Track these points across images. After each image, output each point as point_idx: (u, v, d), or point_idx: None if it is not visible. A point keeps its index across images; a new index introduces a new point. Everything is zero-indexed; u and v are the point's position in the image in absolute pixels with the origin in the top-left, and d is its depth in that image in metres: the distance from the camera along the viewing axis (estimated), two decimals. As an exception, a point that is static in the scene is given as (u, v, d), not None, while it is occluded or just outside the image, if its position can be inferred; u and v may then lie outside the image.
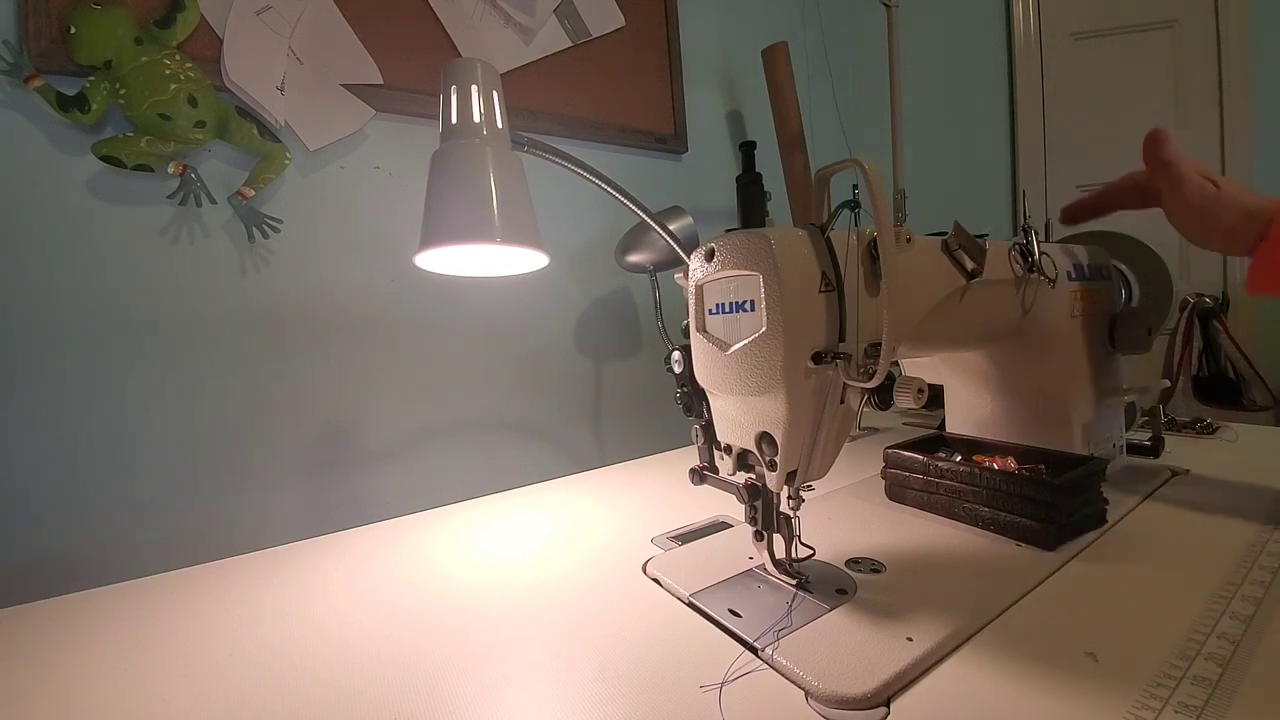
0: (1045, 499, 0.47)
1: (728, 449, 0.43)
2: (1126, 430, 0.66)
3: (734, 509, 0.48)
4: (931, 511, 0.55)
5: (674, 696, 0.33)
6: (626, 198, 0.54)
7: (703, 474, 0.47)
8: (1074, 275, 0.58)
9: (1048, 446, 0.55)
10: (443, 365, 1.05)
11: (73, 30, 0.73)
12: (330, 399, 0.95)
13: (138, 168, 0.78)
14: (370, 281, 0.98)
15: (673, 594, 0.44)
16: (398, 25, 0.99)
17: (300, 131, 0.91)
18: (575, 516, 0.63)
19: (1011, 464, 0.54)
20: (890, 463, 0.59)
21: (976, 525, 0.51)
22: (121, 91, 0.75)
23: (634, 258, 1.04)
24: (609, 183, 0.54)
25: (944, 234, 0.47)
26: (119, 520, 0.80)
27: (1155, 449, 0.68)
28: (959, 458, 0.57)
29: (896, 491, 0.59)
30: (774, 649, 0.35)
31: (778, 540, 0.43)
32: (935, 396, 0.67)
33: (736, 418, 0.41)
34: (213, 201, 0.84)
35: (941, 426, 0.67)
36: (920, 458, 0.56)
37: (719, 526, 0.57)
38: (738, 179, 0.41)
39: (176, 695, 0.36)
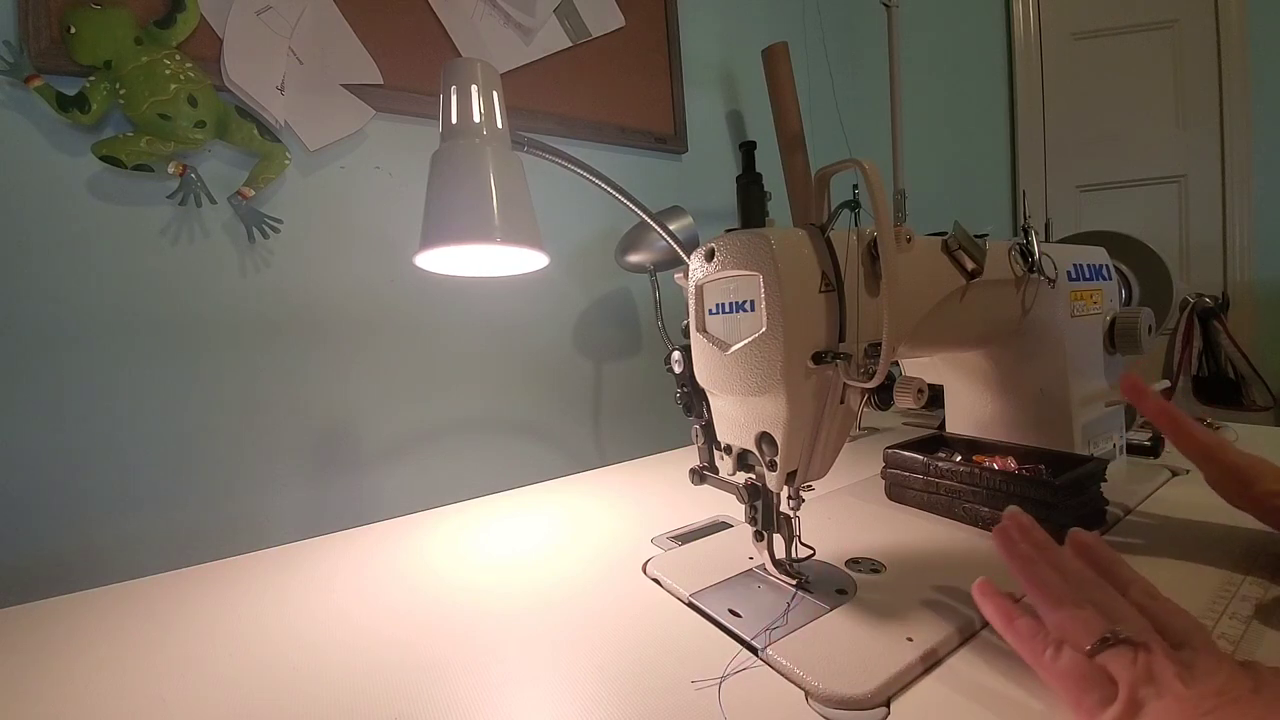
0: (1046, 499, 0.47)
1: (728, 449, 0.43)
2: (1126, 430, 0.66)
3: (734, 509, 0.48)
4: (932, 511, 0.55)
5: (674, 697, 0.33)
6: (626, 198, 0.54)
7: (703, 474, 0.47)
8: (1074, 275, 0.58)
9: (1048, 446, 0.55)
10: (443, 365, 1.05)
11: (73, 30, 0.73)
12: (330, 399, 0.95)
13: (138, 168, 0.78)
14: (370, 281, 0.98)
15: (673, 594, 0.44)
16: (398, 25, 0.99)
17: (300, 131, 0.91)
18: (575, 516, 0.63)
19: (1011, 464, 0.54)
20: (890, 463, 0.59)
21: (977, 525, 0.51)
22: (121, 91, 0.75)
23: (634, 258, 1.03)
24: (609, 183, 0.54)
25: (944, 234, 0.47)
26: (118, 520, 0.80)
27: (1155, 449, 0.68)
28: (959, 458, 0.57)
29: (896, 491, 0.59)
30: (769, 647, 0.35)
31: (778, 540, 0.43)
32: (935, 396, 0.67)
33: (736, 418, 0.41)
34: (213, 201, 0.84)
35: (941, 426, 0.67)
36: (920, 458, 0.56)
37: (719, 526, 0.57)
38: (738, 179, 0.41)
39: (175, 695, 0.36)
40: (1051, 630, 0.29)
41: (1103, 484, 0.51)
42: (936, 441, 0.62)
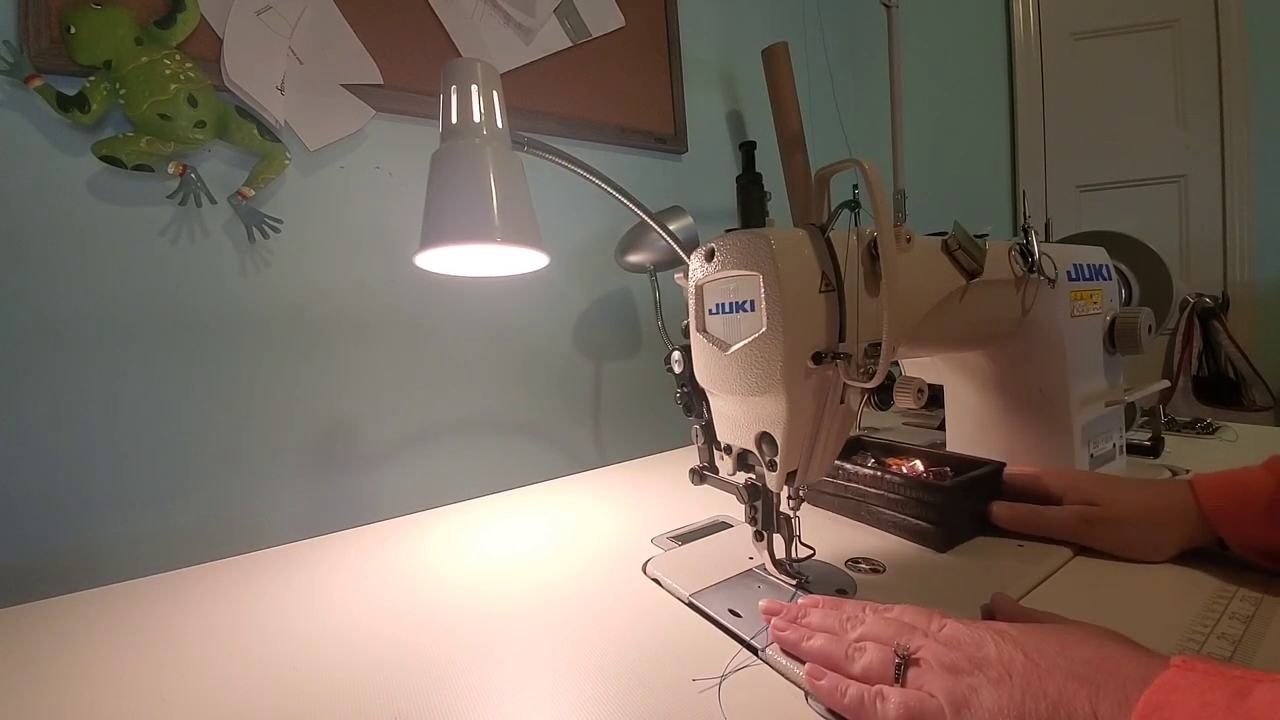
0: (935, 501, 0.48)
1: (728, 449, 0.43)
2: (1126, 430, 0.66)
3: (734, 509, 0.48)
4: (844, 515, 0.56)
5: (674, 696, 0.33)
6: (626, 198, 0.54)
7: (703, 474, 0.47)
8: (1074, 275, 0.58)
9: (1046, 446, 0.56)
10: (442, 365, 1.05)
11: (72, 30, 0.73)
12: (330, 399, 0.95)
13: (138, 168, 0.78)
14: (370, 281, 0.98)
15: (673, 594, 0.44)
16: (398, 25, 0.99)
17: (300, 131, 0.91)
18: (575, 516, 0.63)
19: (919, 468, 0.55)
20: None
21: (879, 528, 0.52)
22: (121, 91, 0.75)
23: (634, 258, 1.03)
24: (609, 183, 0.54)
25: (944, 234, 0.47)
26: (118, 520, 0.80)
27: (1155, 449, 0.68)
28: (872, 462, 0.58)
29: (811, 495, 0.58)
30: (769, 647, 0.35)
31: (778, 540, 0.43)
32: (935, 396, 0.67)
33: (736, 418, 0.41)
34: (213, 201, 0.84)
35: (941, 426, 0.68)
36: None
37: (719, 526, 0.57)
38: (738, 179, 0.41)
39: (175, 695, 0.36)
40: (860, 678, 0.30)
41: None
42: (854, 445, 0.63)
